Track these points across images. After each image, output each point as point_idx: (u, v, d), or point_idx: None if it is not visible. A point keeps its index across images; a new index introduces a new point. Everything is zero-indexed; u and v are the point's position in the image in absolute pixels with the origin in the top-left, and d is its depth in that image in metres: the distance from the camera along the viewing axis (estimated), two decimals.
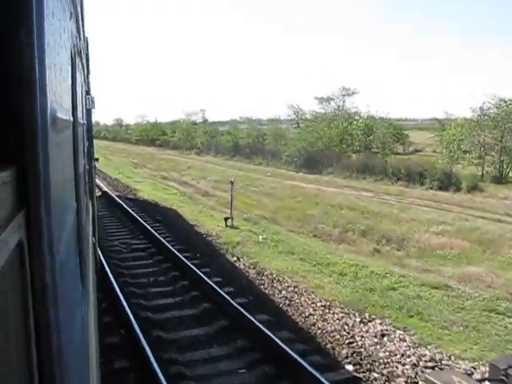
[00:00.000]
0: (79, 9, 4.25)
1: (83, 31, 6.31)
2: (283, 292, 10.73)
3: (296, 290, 11.05)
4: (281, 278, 11.83)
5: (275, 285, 11.25)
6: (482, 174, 36.65)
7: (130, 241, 15.10)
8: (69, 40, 2.34)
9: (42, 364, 1.08)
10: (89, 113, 9.50)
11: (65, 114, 1.93)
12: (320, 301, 10.51)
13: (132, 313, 8.89)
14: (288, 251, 14.82)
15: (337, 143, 48.14)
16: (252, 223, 19.95)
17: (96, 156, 14.04)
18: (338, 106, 66.75)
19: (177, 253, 12.84)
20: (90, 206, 7.09)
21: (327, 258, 14.31)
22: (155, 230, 15.65)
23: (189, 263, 11.91)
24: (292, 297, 10.46)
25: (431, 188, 35.58)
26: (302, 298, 10.48)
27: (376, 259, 17.43)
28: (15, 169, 0.96)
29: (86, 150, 6.67)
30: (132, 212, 18.54)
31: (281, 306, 10.00)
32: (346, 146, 49.61)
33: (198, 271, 11.32)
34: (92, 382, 2.66)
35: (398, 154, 55.35)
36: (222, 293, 9.94)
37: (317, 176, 42.78)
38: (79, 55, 4.35)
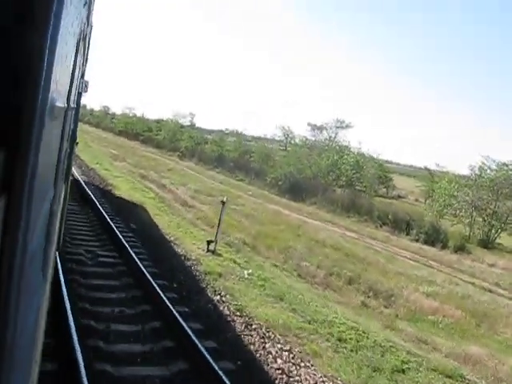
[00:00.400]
0: None
1: (91, 17, 6.13)
2: (278, 361, 8.49)
3: (292, 356, 8.86)
4: (272, 335, 9.63)
5: (267, 346, 9.02)
6: (469, 236, 35.22)
7: (97, 250, 12.71)
8: (78, 27, 2.32)
9: None
10: (79, 96, 8.83)
11: (62, 102, 1.91)
12: (321, 377, 8.36)
13: (85, 362, 6.58)
14: (276, 295, 12.65)
15: (324, 174, 46.36)
16: (234, 249, 17.73)
17: (77, 140, 12.32)
18: (330, 137, 65.44)
19: (150, 278, 10.55)
20: (63, 190, 6.43)
21: (322, 313, 12.19)
22: (127, 241, 13.32)
23: (164, 297, 9.63)
24: (289, 369, 8.24)
25: (417, 240, 33.97)
26: (301, 372, 8.30)
27: (366, 317, 15.54)
28: (5, 153, 0.93)
29: (70, 133, 6.19)
30: (105, 213, 16.13)
31: (277, 382, 7.76)
32: (331, 179, 47.90)
33: (173, 310, 9.06)
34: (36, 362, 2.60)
35: (381, 196, 54.05)
36: (203, 350, 7.69)
37: (300, 204, 40.87)
38: (83, 41, 4.24)
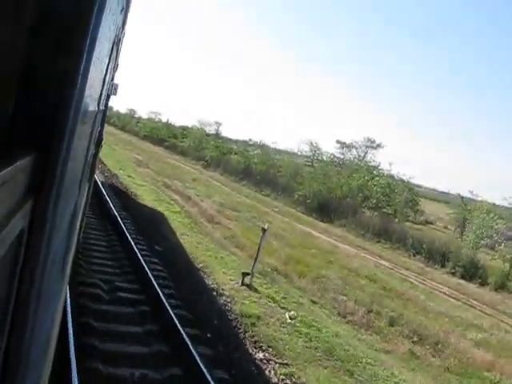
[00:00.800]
0: (130, 2, 4.30)
1: (126, 23, 6.15)
2: None
3: None
4: None
5: None
6: (509, 272, 32.58)
7: (115, 280, 10.69)
8: (114, 32, 2.39)
9: (12, 347, 1.03)
10: (108, 98, 8.76)
11: (93, 106, 1.92)
12: None
13: None
14: (325, 349, 10.53)
15: (354, 195, 44.03)
16: (268, 280, 15.63)
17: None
18: (359, 156, 63.18)
19: (179, 326, 8.48)
20: (87, 189, 6.63)
21: (380, 377, 10.02)
22: (152, 270, 11.32)
23: (197, 356, 7.54)
24: None
25: (453, 273, 31.47)
26: None
27: (416, 369, 13.44)
28: (35, 157, 0.94)
29: (97, 135, 6.37)
30: (127, 232, 14.15)
31: None
32: (360, 200, 45.50)
33: (209, 378, 6.96)
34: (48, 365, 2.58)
35: (408, 221, 51.47)
36: None
37: (327, 225, 38.62)
38: (117, 45, 4.41)
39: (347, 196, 43.15)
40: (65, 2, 0.93)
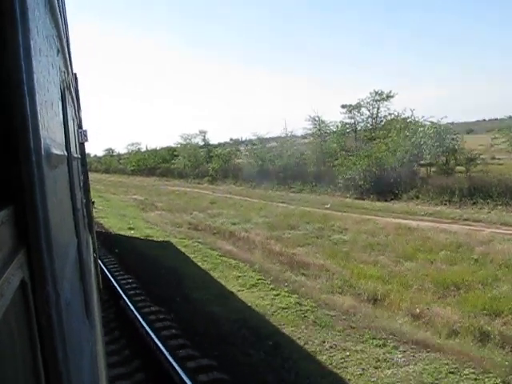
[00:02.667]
0: (66, 45, 3.95)
1: (71, 67, 6.09)
2: None
3: None
4: None
5: None
6: None
7: None
8: (57, 75, 2.34)
9: None
10: (82, 147, 9.00)
11: (58, 149, 1.91)
12: None
13: None
14: None
15: (406, 159, 34.57)
16: None
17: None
18: (372, 114, 53.67)
19: None
20: (90, 239, 6.73)
21: None
22: None
23: None
24: None
25: None
26: None
27: None
28: (13, 208, 0.94)
29: (81, 184, 6.45)
30: None
31: None
32: (409, 160, 36.03)
33: None
34: None
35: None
36: None
37: (402, 204, 29.29)
38: (69, 90, 4.14)
39: (402, 161, 33.67)
40: None
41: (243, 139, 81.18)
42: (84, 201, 6.58)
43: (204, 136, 75.16)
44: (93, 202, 21.62)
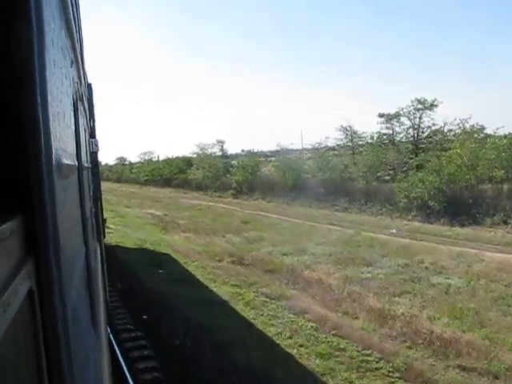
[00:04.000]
0: (80, 56, 3.93)
1: (85, 77, 6.00)
2: None
3: None
4: None
5: None
6: None
7: None
8: (70, 86, 2.31)
9: None
10: (94, 156, 8.98)
11: (69, 159, 1.90)
12: None
13: None
14: None
15: (485, 175, 28.23)
16: None
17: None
18: (413, 124, 47.64)
19: None
20: (98, 248, 6.78)
21: None
22: None
23: None
24: None
25: None
26: None
27: None
28: (22, 218, 0.92)
29: (91, 193, 6.31)
30: None
31: None
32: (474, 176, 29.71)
33: None
34: None
35: None
36: None
37: (486, 230, 23.00)
38: (81, 100, 4.13)
39: (482, 179, 27.35)
40: (4, 65, 0.91)
41: (255, 150, 76.43)
42: (93, 209, 6.47)
43: (222, 146, 69.17)
44: (104, 220, 19.82)
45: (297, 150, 60.72)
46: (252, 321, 11.53)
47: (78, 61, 3.30)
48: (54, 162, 1.07)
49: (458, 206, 25.81)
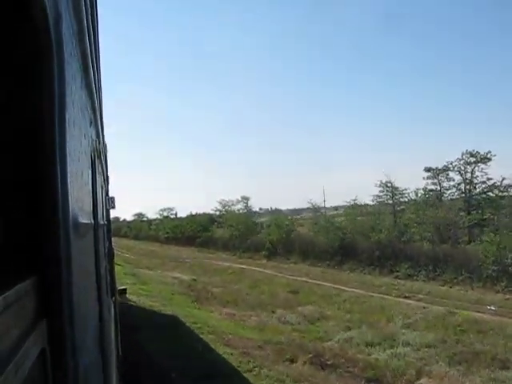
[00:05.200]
0: (99, 115, 3.97)
1: (103, 135, 6.02)
2: None
3: None
4: None
5: None
6: None
7: None
8: (89, 145, 2.26)
9: None
10: (108, 213, 8.78)
11: (86, 218, 1.83)
12: None
13: None
14: None
15: None
16: None
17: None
18: (465, 179, 42.61)
19: None
20: (112, 303, 6.59)
21: None
22: None
23: None
24: None
25: None
26: None
27: None
28: (37, 278, 0.89)
29: (106, 251, 6.00)
30: None
31: None
32: None
33: None
34: None
35: None
36: None
37: None
38: (99, 158, 4.11)
39: None
40: (25, 125, 0.90)
41: (273, 208, 72.78)
42: (108, 267, 6.28)
43: (246, 203, 64.22)
44: (124, 290, 18.33)
45: (325, 208, 55.96)
46: None
47: (96, 119, 3.25)
48: (70, 222, 1.04)
49: None
